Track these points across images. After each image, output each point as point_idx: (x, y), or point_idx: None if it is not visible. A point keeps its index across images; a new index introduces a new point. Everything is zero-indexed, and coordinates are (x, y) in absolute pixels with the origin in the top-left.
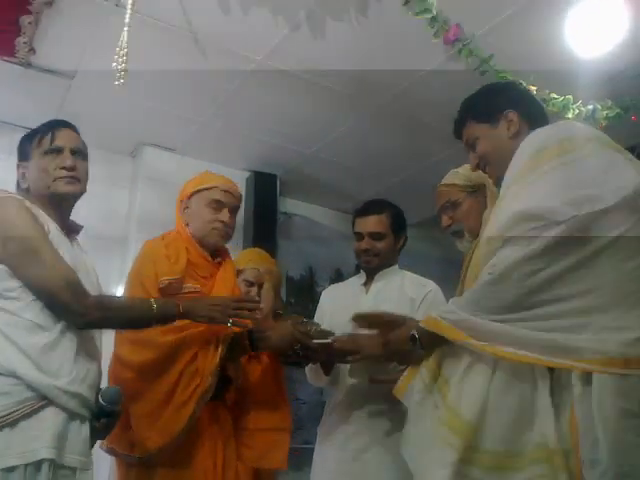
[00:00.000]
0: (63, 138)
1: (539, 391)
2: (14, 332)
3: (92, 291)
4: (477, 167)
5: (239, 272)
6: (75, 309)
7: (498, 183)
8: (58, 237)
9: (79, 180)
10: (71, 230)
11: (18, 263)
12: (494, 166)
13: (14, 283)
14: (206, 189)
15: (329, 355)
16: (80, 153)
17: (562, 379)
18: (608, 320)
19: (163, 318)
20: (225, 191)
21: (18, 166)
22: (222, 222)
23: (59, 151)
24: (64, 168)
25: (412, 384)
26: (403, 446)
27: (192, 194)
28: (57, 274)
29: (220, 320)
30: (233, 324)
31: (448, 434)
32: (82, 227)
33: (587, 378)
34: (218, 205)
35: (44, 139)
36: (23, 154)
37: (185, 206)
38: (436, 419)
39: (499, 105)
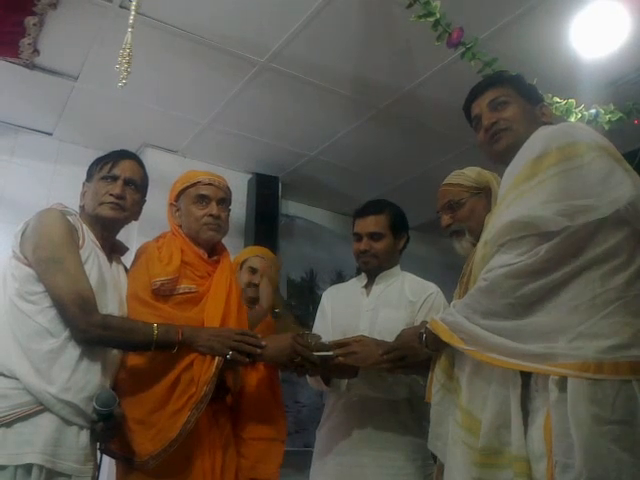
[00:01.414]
0: (122, 168)
1: (511, 398)
2: (24, 334)
3: (116, 310)
4: (490, 127)
5: (243, 262)
6: (78, 323)
7: (504, 155)
8: (91, 252)
9: (124, 209)
10: (115, 250)
11: (42, 269)
12: (512, 134)
13: (38, 288)
14: (190, 186)
15: (330, 368)
16: (134, 184)
17: (538, 385)
18: (584, 327)
19: (163, 344)
20: (208, 184)
21: (83, 185)
22: (211, 216)
23: (114, 179)
24: (112, 195)
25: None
26: (431, 441)
27: (179, 195)
28: (72, 286)
29: (219, 351)
30: (232, 357)
31: (466, 435)
32: (128, 249)
33: (563, 384)
34: (204, 200)
35: (105, 166)
36: (88, 175)
37: (175, 208)
38: (454, 420)
39: (541, 95)
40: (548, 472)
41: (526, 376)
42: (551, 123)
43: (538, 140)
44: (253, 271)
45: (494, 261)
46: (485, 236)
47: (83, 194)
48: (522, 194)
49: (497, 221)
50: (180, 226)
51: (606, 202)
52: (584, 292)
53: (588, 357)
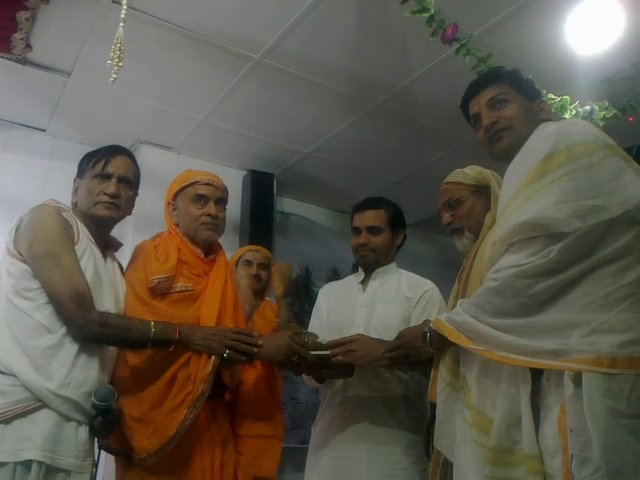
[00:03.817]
0: (115, 165)
1: (521, 395)
2: (21, 331)
3: (112, 306)
4: (490, 127)
5: (238, 260)
6: (75, 320)
7: (505, 154)
8: (86, 247)
9: (119, 207)
10: (108, 246)
11: (37, 266)
12: (513, 132)
13: (34, 284)
14: (188, 186)
15: (327, 367)
16: (128, 181)
17: (551, 381)
18: (598, 323)
19: (160, 342)
20: (207, 184)
21: (74, 181)
22: (209, 215)
23: (108, 177)
24: (107, 194)
25: (437, 385)
26: (437, 440)
27: (176, 194)
28: (68, 282)
29: (216, 350)
30: (229, 356)
31: (477, 434)
32: (122, 245)
33: (579, 379)
34: (202, 199)
35: (98, 163)
36: (79, 171)
37: (173, 207)
38: (462, 419)
39: (538, 90)
40: (564, 467)
41: (535, 373)
42: (550, 119)
43: (544, 139)
44: (249, 264)
45: (503, 261)
46: (493, 236)
47: (75, 190)
48: (532, 195)
49: (507, 221)
50: (177, 225)
51: (616, 202)
52: (596, 289)
53: (602, 352)
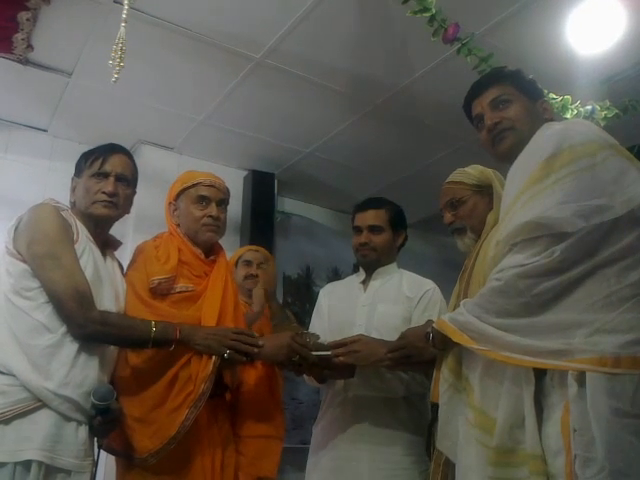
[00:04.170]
0: (112, 164)
1: (525, 396)
2: (21, 330)
3: (112, 305)
4: (493, 127)
5: (237, 260)
6: (76, 319)
7: (508, 155)
8: (86, 246)
9: (117, 206)
10: (107, 244)
11: (37, 265)
12: (516, 133)
13: (33, 283)
14: (190, 187)
15: (329, 367)
16: (125, 180)
17: (554, 381)
18: (601, 323)
19: (160, 342)
20: (209, 186)
21: (72, 180)
22: (211, 217)
23: (105, 176)
24: (105, 193)
25: (439, 385)
26: (440, 440)
27: (178, 194)
28: (68, 281)
29: (217, 350)
30: (230, 356)
31: (480, 434)
32: (121, 243)
33: (582, 379)
34: (204, 201)
35: (95, 162)
36: (77, 170)
37: (174, 208)
38: (465, 419)
39: (541, 90)
40: (567, 467)
41: (538, 372)
42: (552, 119)
43: (547, 139)
44: (248, 263)
45: (507, 261)
46: (497, 236)
47: (73, 189)
48: (536, 195)
49: (510, 221)
50: (178, 225)
51: (620, 202)
52: (600, 289)
53: (605, 352)
